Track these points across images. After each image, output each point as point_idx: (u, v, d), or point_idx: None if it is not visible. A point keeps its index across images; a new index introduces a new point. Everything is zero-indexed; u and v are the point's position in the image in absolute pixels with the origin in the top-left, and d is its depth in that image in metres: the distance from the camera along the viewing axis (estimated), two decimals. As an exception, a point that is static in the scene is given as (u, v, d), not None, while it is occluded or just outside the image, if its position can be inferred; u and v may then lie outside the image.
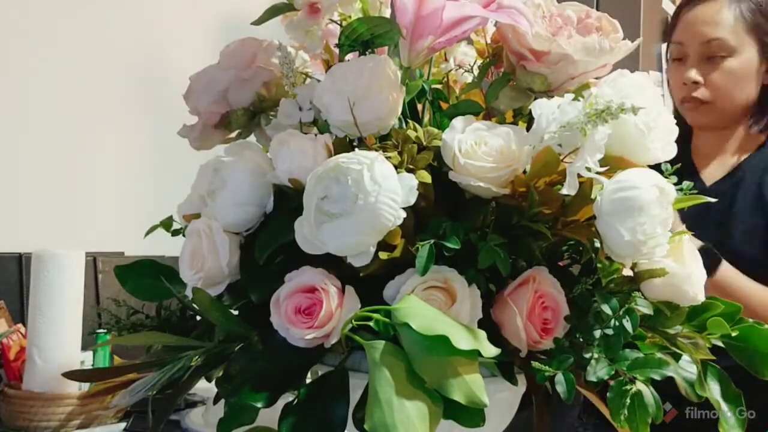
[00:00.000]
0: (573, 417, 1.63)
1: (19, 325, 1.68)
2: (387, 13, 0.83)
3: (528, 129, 0.71)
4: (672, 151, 0.74)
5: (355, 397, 0.66)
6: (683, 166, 1.63)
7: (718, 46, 1.52)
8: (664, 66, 1.63)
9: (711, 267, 1.38)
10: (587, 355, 0.68)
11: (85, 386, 1.56)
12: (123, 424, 1.52)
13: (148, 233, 0.89)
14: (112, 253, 2.08)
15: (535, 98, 0.75)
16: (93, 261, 1.98)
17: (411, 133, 0.72)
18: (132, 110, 2.29)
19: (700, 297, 0.74)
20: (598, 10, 0.79)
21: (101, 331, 1.43)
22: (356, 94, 0.72)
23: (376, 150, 0.69)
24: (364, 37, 0.76)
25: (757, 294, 1.44)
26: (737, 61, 1.52)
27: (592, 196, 0.69)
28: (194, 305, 0.77)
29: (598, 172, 0.67)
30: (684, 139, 1.68)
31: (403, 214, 0.65)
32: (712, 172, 1.61)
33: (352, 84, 0.73)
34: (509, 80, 0.79)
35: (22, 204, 2.04)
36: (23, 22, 2.08)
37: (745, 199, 1.52)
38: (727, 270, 1.43)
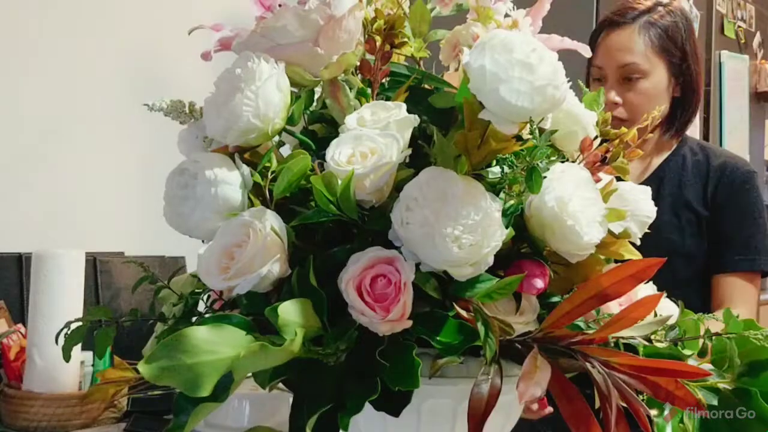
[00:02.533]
0: None
1: (19, 325, 1.68)
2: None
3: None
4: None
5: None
6: None
7: (633, 70, 1.70)
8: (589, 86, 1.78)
9: None
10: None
11: (85, 386, 1.56)
12: (123, 424, 1.52)
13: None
14: (112, 253, 2.08)
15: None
16: (93, 261, 1.98)
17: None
18: (132, 110, 2.28)
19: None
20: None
21: (101, 331, 1.43)
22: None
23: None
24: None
25: None
26: (650, 82, 1.70)
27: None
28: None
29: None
30: None
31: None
32: (633, 173, 1.79)
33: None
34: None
35: (22, 204, 2.04)
36: (23, 22, 2.08)
37: (666, 195, 1.73)
38: None
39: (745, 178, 1.72)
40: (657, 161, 1.79)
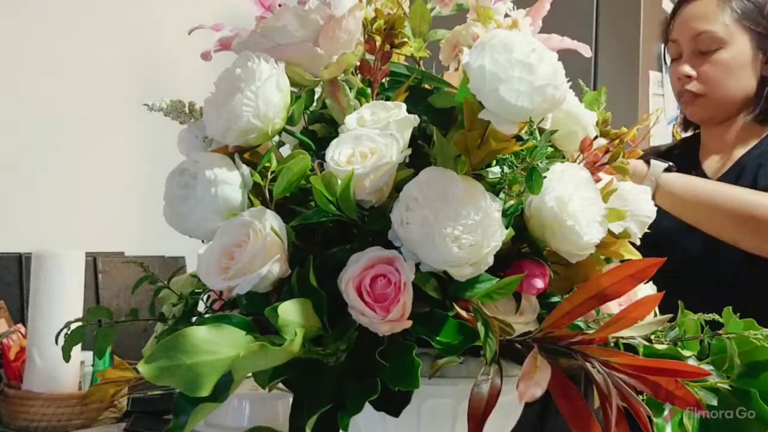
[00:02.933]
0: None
1: (19, 325, 1.68)
2: None
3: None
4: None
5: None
6: (690, 161, 1.59)
7: (708, 39, 1.54)
8: (664, 66, 1.66)
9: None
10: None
11: (85, 386, 1.56)
12: (123, 424, 1.52)
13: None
14: (112, 253, 2.08)
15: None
16: (93, 261, 1.98)
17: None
18: (132, 110, 2.28)
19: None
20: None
21: (101, 331, 1.43)
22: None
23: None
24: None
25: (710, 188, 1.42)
26: (728, 53, 1.53)
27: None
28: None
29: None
30: (694, 137, 1.72)
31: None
32: (713, 165, 1.63)
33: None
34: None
35: (22, 204, 2.04)
36: (23, 22, 2.08)
37: None
38: (672, 176, 1.41)
39: None
40: (739, 153, 1.59)
